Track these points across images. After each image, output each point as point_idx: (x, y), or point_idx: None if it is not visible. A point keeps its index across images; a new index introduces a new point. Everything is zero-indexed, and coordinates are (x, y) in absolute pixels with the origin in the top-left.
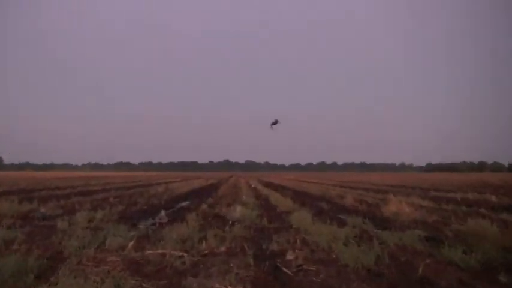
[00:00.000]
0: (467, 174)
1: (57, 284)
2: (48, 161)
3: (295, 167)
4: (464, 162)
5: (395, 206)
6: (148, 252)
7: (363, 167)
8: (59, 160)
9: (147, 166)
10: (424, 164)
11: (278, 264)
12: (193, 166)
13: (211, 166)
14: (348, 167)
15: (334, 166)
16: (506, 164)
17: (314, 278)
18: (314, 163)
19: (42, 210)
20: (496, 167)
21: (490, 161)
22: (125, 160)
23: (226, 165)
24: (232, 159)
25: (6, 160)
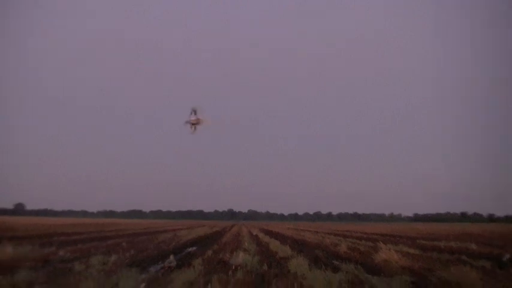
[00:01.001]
0: (451, 224)
1: None
2: (66, 208)
3: (294, 217)
4: (448, 213)
5: (385, 254)
6: None
7: (356, 216)
8: (76, 207)
9: (157, 214)
10: (411, 214)
11: None
12: (199, 215)
13: (215, 215)
14: (342, 216)
15: (329, 216)
16: (485, 214)
17: None
18: (311, 213)
19: (61, 253)
20: (476, 218)
21: (470, 212)
22: (137, 208)
23: (230, 214)
24: (236, 209)
25: (28, 206)
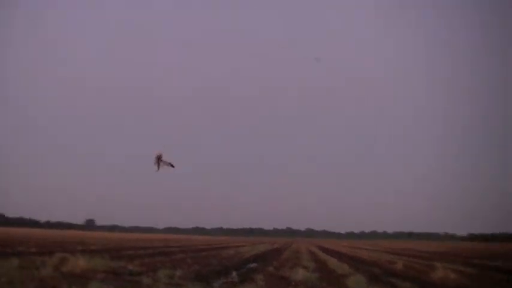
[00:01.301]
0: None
1: None
2: (133, 224)
3: (350, 235)
4: (505, 233)
5: (441, 272)
6: None
7: (411, 235)
8: (143, 223)
9: (218, 231)
10: (466, 234)
11: None
12: (259, 232)
13: (275, 232)
14: (398, 235)
15: (385, 234)
16: None
17: None
18: (366, 231)
19: (130, 267)
20: None
21: None
22: (199, 225)
23: (289, 232)
24: (294, 227)
25: (98, 222)
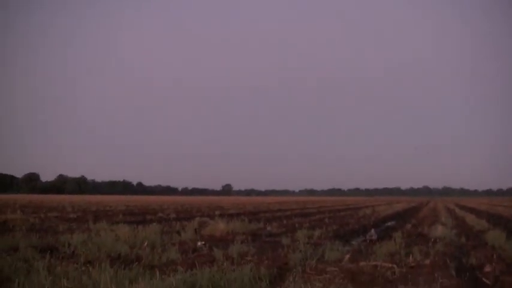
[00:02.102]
0: None
1: None
2: (269, 188)
3: (487, 192)
4: None
5: None
6: (362, 264)
7: None
8: (279, 187)
9: (355, 192)
10: None
11: (477, 275)
12: (396, 192)
13: (412, 192)
14: None
15: None
16: None
17: None
18: (504, 188)
19: (268, 228)
20: None
21: None
22: (336, 186)
23: (425, 190)
24: (431, 185)
25: (235, 187)
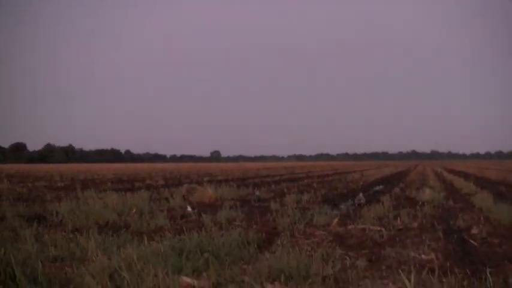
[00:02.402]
0: None
1: (275, 253)
2: (258, 154)
3: (475, 156)
4: None
5: None
6: (350, 227)
7: None
8: (267, 153)
9: (344, 156)
10: None
11: (465, 237)
12: (384, 156)
13: (400, 156)
14: None
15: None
16: None
17: (497, 249)
18: (492, 152)
19: (257, 193)
20: None
21: None
22: (324, 152)
23: (413, 155)
24: (419, 150)
25: (223, 154)
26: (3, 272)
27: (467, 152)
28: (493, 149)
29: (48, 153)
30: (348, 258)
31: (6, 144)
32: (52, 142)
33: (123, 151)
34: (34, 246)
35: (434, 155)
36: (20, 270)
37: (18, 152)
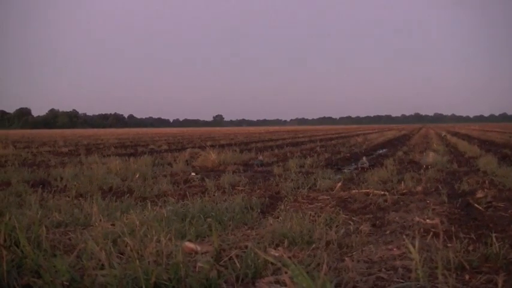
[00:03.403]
0: None
1: (279, 218)
2: (261, 118)
3: (479, 119)
4: None
5: None
6: (354, 191)
7: None
8: (270, 116)
9: (346, 120)
10: None
11: (469, 201)
12: (387, 119)
13: (403, 119)
14: None
15: None
16: None
17: (503, 213)
18: (496, 114)
19: (260, 158)
20: None
21: None
22: (327, 115)
23: (417, 118)
24: (422, 112)
25: (226, 118)
26: (8, 237)
27: (471, 114)
28: (497, 111)
29: (53, 118)
30: (351, 223)
31: (11, 110)
32: (56, 107)
33: (126, 116)
34: (38, 212)
35: (437, 118)
36: (25, 235)
37: (23, 117)
